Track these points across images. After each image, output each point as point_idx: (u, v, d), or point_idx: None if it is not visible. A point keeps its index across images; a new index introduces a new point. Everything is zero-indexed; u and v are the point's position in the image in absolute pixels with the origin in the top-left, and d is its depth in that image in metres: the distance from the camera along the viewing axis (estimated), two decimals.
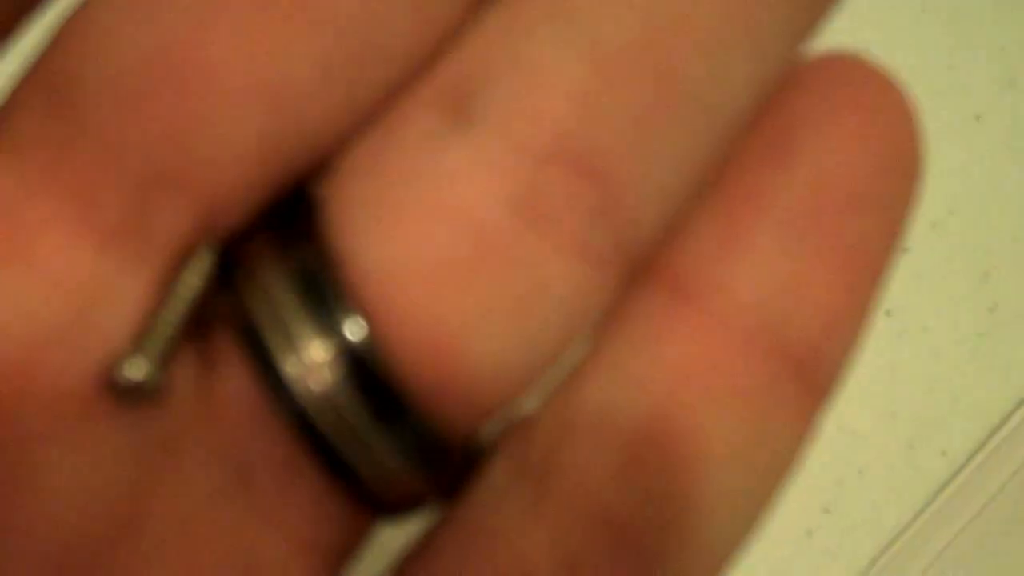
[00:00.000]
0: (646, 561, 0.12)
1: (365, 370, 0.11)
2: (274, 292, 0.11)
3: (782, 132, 0.12)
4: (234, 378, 0.11)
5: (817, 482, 0.39)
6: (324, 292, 0.11)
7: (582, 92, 0.11)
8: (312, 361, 0.11)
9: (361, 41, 0.11)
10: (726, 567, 0.12)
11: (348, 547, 0.12)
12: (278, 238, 0.11)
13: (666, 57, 0.11)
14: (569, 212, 0.11)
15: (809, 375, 0.12)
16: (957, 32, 0.42)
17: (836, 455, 0.39)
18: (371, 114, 0.11)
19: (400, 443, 0.11)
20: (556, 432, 0.12)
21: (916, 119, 0.13)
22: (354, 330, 0.11)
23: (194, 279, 0.11)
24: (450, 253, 0.11)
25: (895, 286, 0.40)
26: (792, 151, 0.12)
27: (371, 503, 0.12)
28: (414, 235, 0.11)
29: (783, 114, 0.12)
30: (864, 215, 0.12)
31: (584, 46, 0.11)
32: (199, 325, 0.11)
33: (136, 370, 0.10)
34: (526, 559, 0.11)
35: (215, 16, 0.10)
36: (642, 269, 0.12)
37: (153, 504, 0.11)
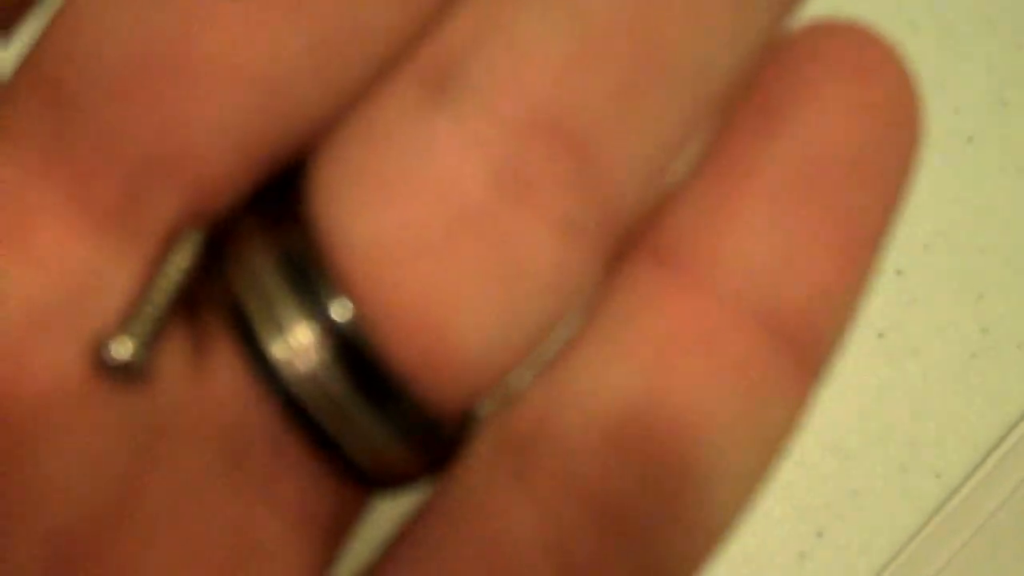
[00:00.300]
0: (637, 539, 0.11)
1: (352, 350, 0.11)
2: (261, 276, 0.11)
3: (775, 99, 0.12)
4: (225, 358, 0.12)
5: (810, 505, 0.39)
6: (310, 274, 0.11)
7: (564, 65, 0.11)
8: (299, 344, 0.11)
9: (346, 24, 0.11)
10: (720, 545, 0.12)
11: (343, 521, 0.12)
12: (266, 221, 0.11)
13: (649, 31, 0.11)
14: (551, 185, 0.11)
15: (802, 347, 0.12)
16: (948, 52, 0.43)
17: (829, 478, 0.39)
18: (359, 94, 0.11)
19: (388, 421, 0.11)
20: (543, 407, 0.12)
21: (914, 85, 0.12)
22: (340, 311, 0.11)
23: (182, 260, 0.11)
24: (429, 227, 0.11)
25: (887, 308, 0.40)
26: (784, 118, 0.12)
27: (362, 480, 0.12)
28: (394, 209, 0.11)
29: (776, 82, 0.12)
30: (859, 183, 0.12)
31: (567, 19, 0.11)
32: (192, 307, 0.12)
33: (123, 350, 0.11)
34: (511, 535, 0.11)
35: (201, 7, 0.10)
36: (631, 241, 0.12)
37: (147, 483, 0.11)
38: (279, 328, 0.11)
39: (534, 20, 0.11)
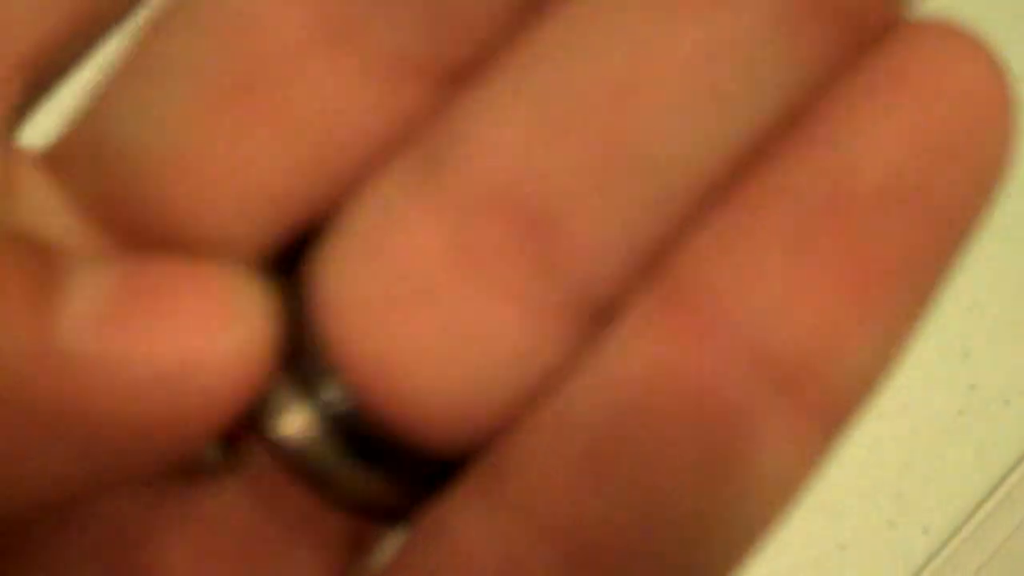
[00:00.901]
0: None
1: (345, 426, 0.12)
2: None
3: (817, 112, 0.11)
4: None
5: (797, 560, 0.39)
6: (305, 352, 0.12)
7: (526, 146, 0.11)
8: (296, 423, 0.12)
9: (330, 137, 0.12)
10: None
11: (359, 539, 0.13)
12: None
13: (617, 118, 0.11)
14: (507, 263, 0.11)
15: (804, 396, 0.11)
16: None
17: (816, 533, 0.39)
18: (363, 177, 0.12)
19: (384, 477, 0.12)
20: (519, 430, 0.11)
21: (1010, 103, 0.10)
22: (333, 393, 0.11)
23: None
24: (390, 294, 0.11)
25: None
26: (820, 132, 0.11)
27: (368, 520, 0.12)
28: (363, 275, 0.11)
29: (827, 93, 0.11)
30: (900, 214, 0.10)
31: (537, 101, 0.11)
32: None
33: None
34: (471, 558, 0.11)
35: (203, 123, 0.11)
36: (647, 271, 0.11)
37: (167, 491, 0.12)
38: (277, 409, 0.12)
39: (508, 99, 0.11)
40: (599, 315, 0.11)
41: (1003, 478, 0.42)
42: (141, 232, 0.12)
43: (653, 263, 0.11)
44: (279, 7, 0.11)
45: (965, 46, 0.11)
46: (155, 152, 0.12)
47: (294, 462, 0.12)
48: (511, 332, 0.11)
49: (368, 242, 0.11)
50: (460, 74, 0.12)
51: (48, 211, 0.12)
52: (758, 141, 0.11)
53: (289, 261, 0.12)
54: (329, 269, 0.12)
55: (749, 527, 0.11)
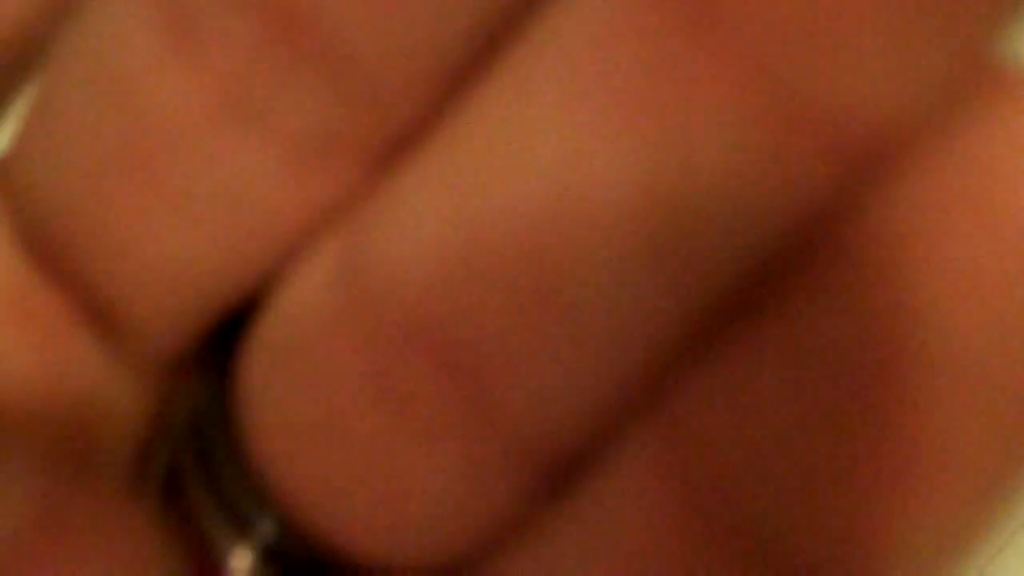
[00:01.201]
0: None
1: (289, 554, 0.12)
2: (196, 501, 0.12)
3: (837, 228, 0.08)
4: None
5: None
6: (238, 487, 0.11)
7: (445, 276, 0.09)
8: (242, 567, 0.12)
9: (250, 214, 0.11)
10: None
11: None
12: (201, 444, 0.12)
13: (543, 252, 0.09)
14: (432, 407, 0.10)
15: None
16: None
17: None
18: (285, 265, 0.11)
19: None
20: (489, 567, 0.11)
21: None
22: (267, 530, 0.11)
23: None
24: (308, 428, 0.10)
25: None
26: (838, 261, 0.08)
27: None
28: (281, 402, 0.11)
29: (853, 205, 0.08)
30: (966, 387, 0.08)
31: (456, 214, 0.09)
32: None
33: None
34: None
35: (114, 205, 0.11)
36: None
37: None
38: (220, 551, 0.12)
39: (422, 208, 0.10)
40: (565, 465, 0.10)
41: None
42: (64, 268, 0.11)
43: (633, 410, 0.10)
44: (174, 80, 0.10)
45: None
46: (62, 205, 0.11)
47: None
48: (441, 482, 0.10)
49: (285, 364, 0.11)
50: (389, 155, 0.10)
51: None
52: (754, 276, 0.09)
53: (225, 346, 0.12)
54: (248, 385, 0.11)
55: None
